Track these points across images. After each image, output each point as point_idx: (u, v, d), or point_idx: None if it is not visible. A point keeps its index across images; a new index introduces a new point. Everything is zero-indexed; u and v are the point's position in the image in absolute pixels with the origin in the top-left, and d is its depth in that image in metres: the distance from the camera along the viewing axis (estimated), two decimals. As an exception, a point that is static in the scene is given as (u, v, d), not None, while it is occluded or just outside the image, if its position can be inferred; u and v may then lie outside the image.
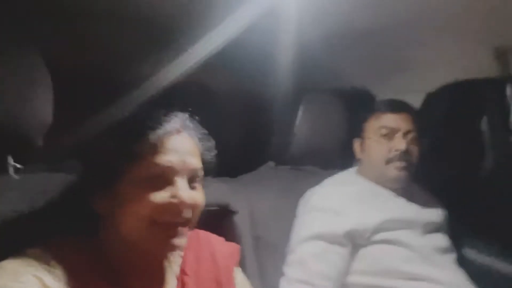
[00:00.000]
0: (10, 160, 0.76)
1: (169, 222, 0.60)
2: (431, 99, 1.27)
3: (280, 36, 1.03)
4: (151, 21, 1.03)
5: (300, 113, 1.31)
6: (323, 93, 1.37)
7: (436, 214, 1.19)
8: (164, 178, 0.60)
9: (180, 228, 0.61)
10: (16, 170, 0.77)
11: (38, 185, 0.72)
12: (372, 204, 1.12)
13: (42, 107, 0.75)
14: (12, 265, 0.53)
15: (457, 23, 0.85)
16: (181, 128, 0.65)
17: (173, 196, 0.59)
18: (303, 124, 1.31)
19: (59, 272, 0.55)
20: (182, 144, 0.64)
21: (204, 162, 0.68)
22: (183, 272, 0.70)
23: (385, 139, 1.15)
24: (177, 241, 0.61)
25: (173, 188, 0.60)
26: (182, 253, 0.72)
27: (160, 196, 0.59)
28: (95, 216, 0.64)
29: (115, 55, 1.25)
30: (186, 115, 0.69)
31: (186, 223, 0.62)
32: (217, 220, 0.95)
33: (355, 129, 1.24)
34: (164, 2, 0.94)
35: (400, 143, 1.13)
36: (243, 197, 1.13)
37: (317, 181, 1.24)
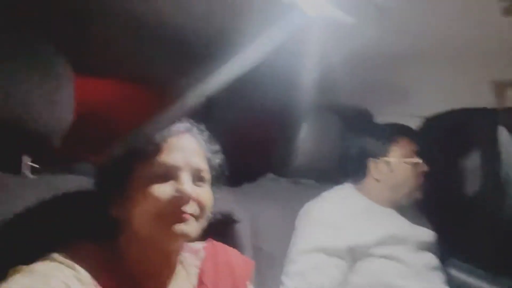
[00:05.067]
0: (27, 160, 0.78)
1: (173, 212, 0.60)
2: (429, 123, 1.33)
3: (303, 58, 1.07)
4: (188, 43, 1.07)
5: (303, 128, 1.34)
6: (326, 111, 1.41)
7: (427, 233, 1.24)
8: (169, 176, 0.62)
9: (185, 215, 0.61)
10: (33, 170, 0.78)
11: (54, 185, 0.74)
12: (371, 220, 1.16)
13: (64, 111, 0.77)
14: (42, 269, 0.54)
15: (459, 58, 0.90)
16: (185, 130, 0.68)
17: (177, 190, 0.61)
18: (305, 139, 1.34)
19: (83, 277, 0.56)
20: (186, 144, 0.66)
21: (210, 166, 0.69)
22: (201, 282, 0.70)
23: (412, 164, 1.21)
24: (183, 227, 0.61)
25: (177, 183, 0.62)
26: (199, 264, 0.73)
27: (164, 191, 0.61)
28: (112, 221, 0.65)
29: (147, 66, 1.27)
30: (190, 121, 0.71)
31: (193, 215, 0.62)
32: (219, 229, 0.97)
33: (373, 150, 1.26)
34: (199, 27, 0.98)
35: (424, 167, 1.20)
36: (244, 206, 1.14)
37: (314, 194, 1.27)
